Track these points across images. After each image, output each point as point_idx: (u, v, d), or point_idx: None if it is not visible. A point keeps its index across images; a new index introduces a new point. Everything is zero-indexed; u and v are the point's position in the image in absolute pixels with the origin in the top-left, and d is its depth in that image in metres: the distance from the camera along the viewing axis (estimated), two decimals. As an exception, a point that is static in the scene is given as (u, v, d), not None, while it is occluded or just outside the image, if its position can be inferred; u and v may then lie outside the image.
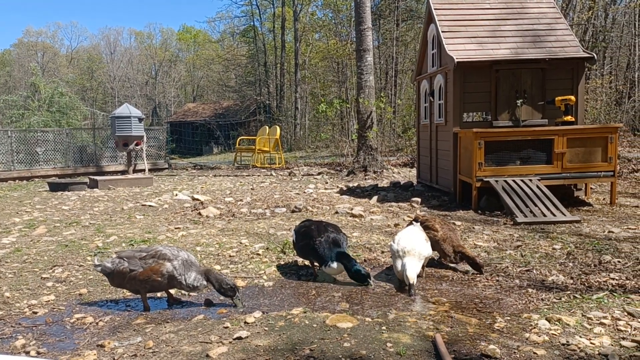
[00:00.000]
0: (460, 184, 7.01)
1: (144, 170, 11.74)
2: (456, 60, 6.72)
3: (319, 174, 12.06)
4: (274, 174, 12.47)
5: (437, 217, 5.41)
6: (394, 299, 3.32)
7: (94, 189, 9.59)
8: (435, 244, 3.96)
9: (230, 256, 4.51)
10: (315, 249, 3.65)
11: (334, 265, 3.59)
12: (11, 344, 2.73)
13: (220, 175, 12.68)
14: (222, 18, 50.43)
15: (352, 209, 6.59)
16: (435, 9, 7.63)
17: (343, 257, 3.59)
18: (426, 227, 4.08)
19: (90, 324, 3.01)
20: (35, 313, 3.21)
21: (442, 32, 7.27)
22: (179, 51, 56.19)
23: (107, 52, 56.08)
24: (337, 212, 6.52)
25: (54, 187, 9.49)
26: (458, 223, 5.62)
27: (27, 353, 2.60)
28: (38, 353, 2.60)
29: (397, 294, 3.42)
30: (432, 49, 8.01)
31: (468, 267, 3.97)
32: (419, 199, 7.23)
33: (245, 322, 2.91)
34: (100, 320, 3.05)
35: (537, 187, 6.22)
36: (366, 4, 10.80)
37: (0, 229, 5.78)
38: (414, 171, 11.00)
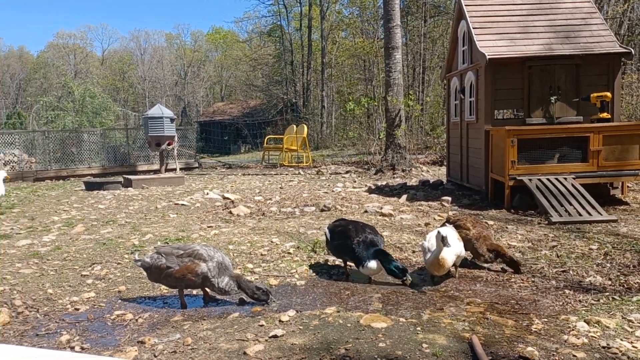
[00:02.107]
0: (492, 183, 6.92)
1: (175, 169, 11.94)
2: (488, 56, 6.63)
3: (346, 172, 12.06)
4: (301, 173, 12.53)
5: (469, 215, 5.37)
6: (427, 300, 3.31)
7: (128, 188, 9.81)
8: (467, 243, 3.92)
9: (262, 255, 4.56)
10: (353, 249, 3.66)
11: (371, 264, 3.58)
12: (57, 339, 2.83)
13: (249, 174, 12.80)
14: (249, 18, 50.81)
15: (381, 208, 6.58)
16: (465, 5, 7.54)
17: (379, 254, 3.58)
18: (458, 227, 4.04)
19: (130, 320, 3.10)
20: (77, 309, 3.32)
21: (473, 28, 7.19)
22: (208, 51, 56.88)
23: (138, 54, 57.15)
24: (366, 211, 6.52)
25: (90, 187, 9.75)
26: (490, 222, 5.56)
27: (72, 348, 2.69)
28: (82, 349, 2.69)
29: (430, 294, 3.42)
30: (463, 46, 7.92)
31: (501, 268, 3.93)
32: (449, 198, 7.17)
33: (279, 321, 2.94)
34: (139, 317, 3.13)
35: (572, 185, 6.09)
36: (395, 1, 10.73)
37: (40, 228, 5.97)
38: (444, 169, 10.91)
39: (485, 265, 4.02)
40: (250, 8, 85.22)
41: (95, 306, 3.38)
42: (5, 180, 7.80)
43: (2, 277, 4.03)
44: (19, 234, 5.68)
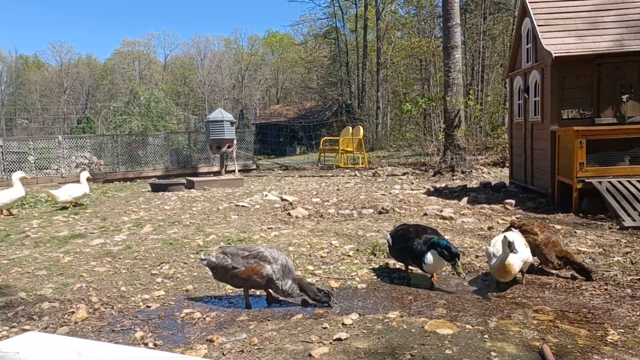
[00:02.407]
0: (559, 185, 6.65)
1: (234, 171, 12.25)
2: (554, 54, 6.38)
3: (403, 174, 11.94)
4: (358, 174, 12.52)
5: (535, 220, 5.19)
6: (492, 306, 3.23)
7: (191, 190, 10.15)
8: (535, 249, 3.80)
9: (321, 257, 4.60)
10: (413, 250, 3.62)
11: (429, 257, 3.50)
12: (131, 335, 2.97)
13: (305, 176, 12.92)
14: (305, 21, 51.30)
15: (441, 211, 6.48)
16: (529, 1, 7.29)
17: (431, 241, 3.51)
18: (524, 232, 3.92)
19: (199, 319, 3.21)
20: (149, 307, 3.47)
21: (538, 25, 6.94)
22: (264, 55, 57.94)
23: (198, 59, 59.00)
24: (426, 214, 6.44)
25: (156, 188, 10.16)
26: (558, 227, 5.34)
27: (146, 345, 2.82)
28: (155, 345, 2.82)
29: (495, 300, 3.33)
30: (527, 44, 7.66)
31: (571, 274, 3.78)
32: (512, 201, 6.95)
33: (343, 324, 2.96)
34: (207, 316, 3.24)
35: (647, 188, 5.76)
36: (454, 0, 10.53)
37: (112, 227, 6.29)
38: (506, 171, 10.60)
39: (554, 271, 3.88)
40: (306, 11, 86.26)
41: (165, 304, 3.53)
42: (88, 180, 8.38)
43: (79, 274, 4.28)
44: (93, 233, 6.01)
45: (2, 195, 7.52)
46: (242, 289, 3.49)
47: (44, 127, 45.37)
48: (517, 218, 5.74)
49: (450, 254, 3.42)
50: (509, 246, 3.25)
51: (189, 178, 11.08)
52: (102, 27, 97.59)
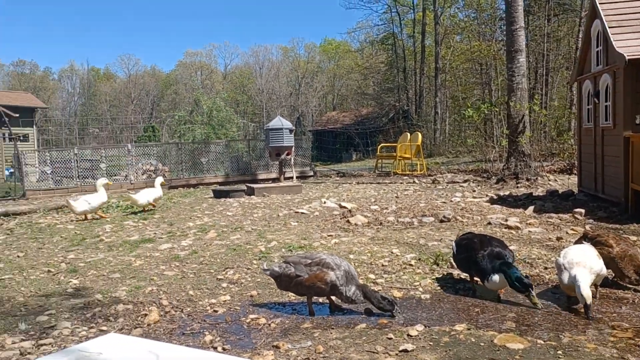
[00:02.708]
0: (633, 194, 6.29)
1: (292, 177, 12.40)
2: (627, 57, 6.07)
3: (464, 181, 11.68)
4: (416, 181, 12.36)
5: (610, 231, 4.95)
6: (564, 320, 3.11)
7: (251, 196, 10.38)
8: (610, 262, 3.62)
9: (382, 265, 4.58)
10: (477, 262, 3.54)
11: (495, 278, 3.43)
12: (200, 339, 3.08)
13: (362, 183, 12.90)
14: (361, 28, 51.36)
15: (506, 220, 6.29)
16: (600, 3, 6.98)
17: (503, 265, 3.42)
18: (598, 243, 3.74)
19: (264, 325, 3.28)
20: (216, 311, 3.58)
21: (609, 27, 6.63)
22: (321, 62, 58.48)
23: (256, 68, 60.34)
24: (489, 223, 6.27)
25: (218, 195, 10.47)
26: (633, 238, 5.05)
27: (215, 349, 2.91)
28: (224, 349, 2.90)
29: (567, 315, 3.20)
30: (597, 46, 7.33)
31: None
32: (582, 210, 6.65)
33: (408, 335, 2.94)
34: (272, 322, 3.31)
35: None
36: (518, 3, 10.24)
37: (178, 233, 6.54)
38: (573, 178, 10.15)
39: (630, 286, 3.68)
40: (362, 18, 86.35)
41: (231, 309, 3.62)
42: (161, 185, 9.08)
43: (150, 278, 4.47)
44: (161, 238, 6.26)
45: (89, 199, 8.11)
46: (305, 297, 3.53)
47: (113, 136, 47.82)
48: (590, 228, 5.48)
49: (523, 286, 3.31)
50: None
51: (249, 184, 11.33)
52: (167, 40, 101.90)
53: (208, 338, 3.06)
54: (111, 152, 14.57)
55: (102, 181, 8.41)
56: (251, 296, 3.89)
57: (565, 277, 3.29)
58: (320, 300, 3.70)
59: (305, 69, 56.76)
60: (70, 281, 4.49)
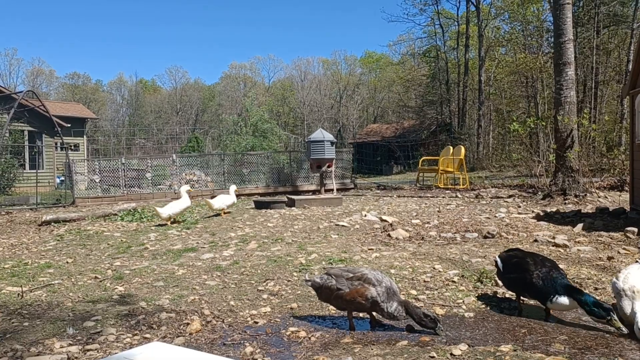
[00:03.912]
0: (692, 214, 5.97)
1: (332, 190, 12.41)
2: (686, 69, 5.80)
3: (509, 196, 11.38)
4: (459, 196, 12.13)
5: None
6: (617, 345, 2.95)
7: (292, 208, 10.43)
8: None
9: (424, 281, 4.49)
10: (534, 284, 3.42)
11: (563, 300, 3.27)
12: (241, 350, 3.09)
13: (404, 196, 12.76)
14: (403, 41, 51.30)
15: (553, 238, 6.07)
16: (655, 13, 6.72)
17: (573, 290, 3.28)
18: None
19: (304, 338, 3.26)
20: (256, 323, 3.59)
21: (666, 38, 6.36)
22: (362, 75, 58.60)
23: (298, 80, 61.04)
24: (536, 240, 6.07)
25: (259, 205, 10.57)
26: (692, 260, 4.78)
27: (255, 360, 2.92)
28: (264, 361, 2.90)
29: (621, 340, 3.04)
30: (652, 58, 7.05)
31: None
32: (635, 229, 6.34)
33: (451, 354, 2.86)
34: (312, 336, 3.29)
35: None
36: (567, 15, 9.97)
37: (220, 243, 6.63)
38: (625, 195, 9.73)
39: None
40: (404, 31, 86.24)
41: (272, 321, 3.63)
42: (235, 192, 9.94)
43: (192, 287, 4.54)
44: (203, 247, 6.36)
45: (173, 206, 8.81)
46: (346, 311, 3.50)
47: (158, 146, 49.23)
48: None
49: (604, 310, 3.12)
50: None
51: (290, 196, 11.40)
52: (213, 52, 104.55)
53: (249, 349, 3.07)
54: (156, 162, 14.99)
55: (185, 188, 9.16)
56: (291, 308, 3.89)
57: (627, 306, 3.09)
58: (361, 315, 3.66)
59: (347, 81, 57.00)
60: (115, 288, 4.61)
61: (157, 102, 65.30)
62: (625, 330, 3.11)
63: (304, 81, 60.17)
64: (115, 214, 10.13)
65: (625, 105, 19.78)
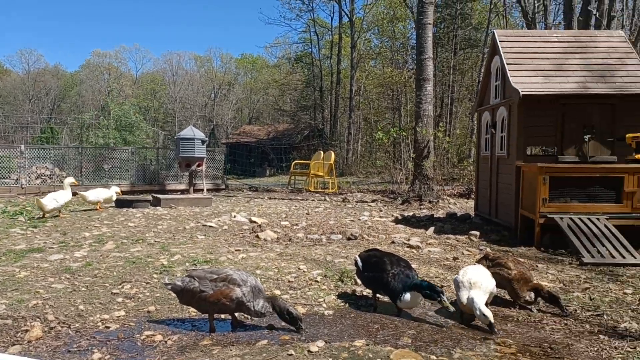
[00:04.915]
0: (522, 219, 6.82)
1: (202, 190, 12.10)
2: (522, 92, 6.62)
3: (372, 201, 12.04)
4: (327, 199, 12.55)
5: (508, 254, 5.31)
6: (457, 338, 3.26)
7: (157, 207, 9.96)
8: (507, 283, 3.89)
9: (289, 281, 4.56)
10: (388, 283, 3.64)
11: (407, 296, 3.55)
12: (88, 356, 2.86)
13: (275, 199, 12.88)
14: (279, 44, 51.86)
15: (408, 240, 6.54)
16: (500, 41, 7.58)
17: (414, 284, 3.57)
18: (498, 265, 4.02)
19: (160, 342, 3.12)
20: (108, 327, 3.36)
21: (507, 64, 7.20)
22: (237, 75, 58.04)
23: (170, 75, 58.63)
24: (393, 242, 6.48)
25: (120, 204, 9.92)
26: (521, 260, 5.45)
27: (104, 367, 2.72)
28: (113, 368, 2.72)
29: (459, 331, 3.36)
30: (496, 81, 7.93)
31: (537, 309, 3.85)
32: (477, 233, 7.08)
33: (309, 351, 2.93)
34: (168, 339, 3.15)
35: (605, 226, 5.97)
36: (428, 35, 10.85)
37: (72, 243, 6.10)
38: (471, 202, 10.80)
39: (528, 306, 3.93)
40: (281, 34, 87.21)
41: (125, 325, 3.42)
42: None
43: (35, 290, 4.11)
44: (52, 248, 5.80)
45: (56, 196, 8.11)
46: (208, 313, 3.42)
47: (5, 135, 43.98)
48: (492, 251, 5.83)
49: (435, 292, 3.48)
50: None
51: (156, 195, 10.88)
52: (74, 38, 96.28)
53: (96, 356, 2.85)
54: (0, 153, 13.35)
55: (69, 180, 8.55)
56: (148, 312, 3.69)
57: (464, 296, 3.47)
58: (222, 316, 3.60)
59: (222, 80, 56.06)
60: (-61, 293, 4.01)
61: (5, 86, 58.30)
62: (452, 309, 3.51)
63: (175, 76, 57.95)
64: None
65: (475, 121, 22.05)
